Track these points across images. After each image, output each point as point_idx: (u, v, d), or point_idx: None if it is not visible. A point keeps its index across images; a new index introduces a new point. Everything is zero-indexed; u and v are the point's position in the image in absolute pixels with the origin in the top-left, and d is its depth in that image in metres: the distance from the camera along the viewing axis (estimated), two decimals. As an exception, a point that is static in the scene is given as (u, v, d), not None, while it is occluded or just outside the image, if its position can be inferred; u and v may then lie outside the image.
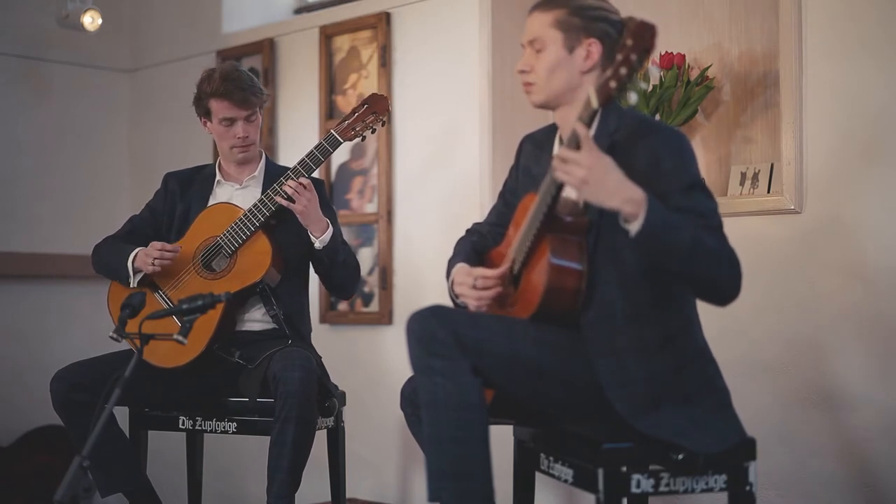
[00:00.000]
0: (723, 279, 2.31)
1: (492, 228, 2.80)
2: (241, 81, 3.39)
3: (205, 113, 3.46)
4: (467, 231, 2.87)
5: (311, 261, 3.44)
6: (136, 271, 3.37)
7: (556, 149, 2.47)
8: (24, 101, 5.19)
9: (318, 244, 3.32)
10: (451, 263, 2.74)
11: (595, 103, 2.19)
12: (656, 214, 2.21)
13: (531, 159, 2.71)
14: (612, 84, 2.15)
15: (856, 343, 3.15)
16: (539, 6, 2.50)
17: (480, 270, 2.57)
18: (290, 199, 3.28)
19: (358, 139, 3.40)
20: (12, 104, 5.15)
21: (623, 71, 2.13)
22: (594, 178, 2.21)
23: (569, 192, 2.44)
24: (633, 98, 2.17)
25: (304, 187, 3.27)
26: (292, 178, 3.30)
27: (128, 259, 3.37)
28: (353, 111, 3.40)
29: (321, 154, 3.34)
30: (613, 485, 2.30)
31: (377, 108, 3.40)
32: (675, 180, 2.34)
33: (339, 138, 3.36)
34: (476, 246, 2.79)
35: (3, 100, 5.12)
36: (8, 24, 5.13)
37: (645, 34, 2.10)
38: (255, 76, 4.79)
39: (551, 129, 2.67)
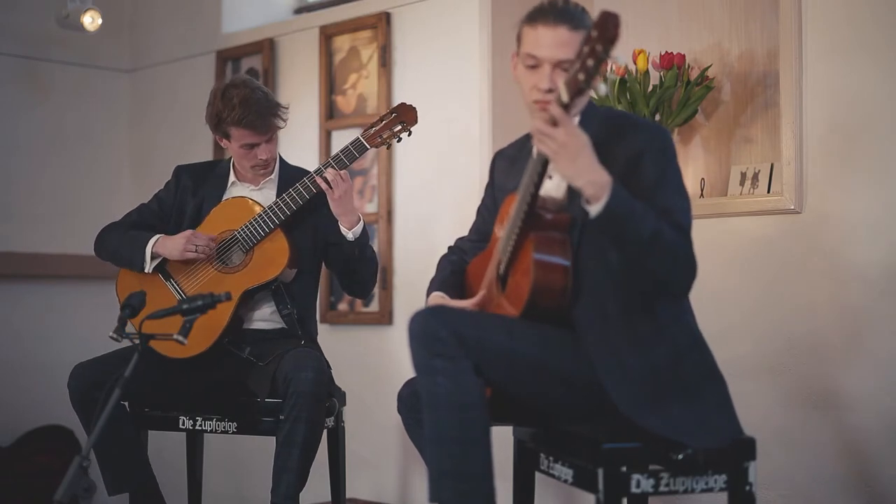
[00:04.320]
0: (673, 279, 2.35)
1: (473, 245, 2.82)
2: (262, 107, 3.31)
3: (224, 135, 3.39)
4: (449, 248, 2.90)
5: (334, 257, 3.41)
6: (154, 257, 3.36)
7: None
8: (24, 101, 5.19)
9: (350, 235, 3.31)
10: (431, 286, 2.78)
11: (565, 97, 2.18)
12: (619, 201, 2.23)
13: (503, 175, 2.72)
14: (581, 77, 2.14)
15: (856, 343, 3.15)
16: (566, 21, 2.39)
17: (455, 303, 2.61)
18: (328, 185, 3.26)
19: (384, 147, 3.41)
20: (12, 104, 5.15)
21: (590, 62, 2.12)
22: (568, 152, 2.21)
23: (549, 190, 2.44)
24: (602, 89, 2.17)
25: (342, 178, 3.26)
26: (300, 189, 3.29)
27: (146, 245, 3.36)
28: (381, 119, 3.40)
29: (346, 158, 3.33)
30: (613, 485, 2.30)
31: (406, 118, 3.41)
32: (652, 175, 2.36)
33: (366, 144, 3.36)
34: (455, 266, 2.81)
35: (3, 100, 5.12)
36: (8, 24, 5.13)
37: (608, 24, 2.10)
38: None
39: (524, 142, 2.68)
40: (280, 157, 3.54)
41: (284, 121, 3.42)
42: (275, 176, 3.50)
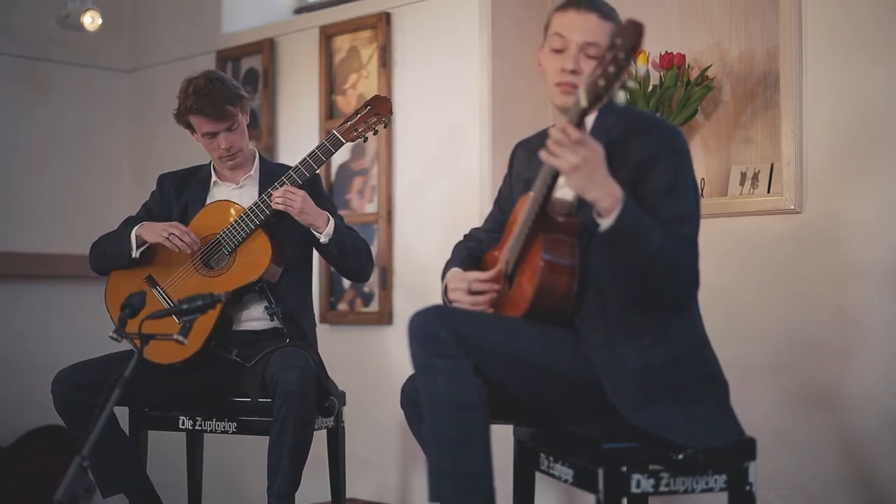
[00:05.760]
0: (672, 293, 2.37)
1: (488, 235, 2.81)
2: (215, 94, 3.35)
3: (187, 126, 3.46)
4: (465, 236, 2.89)
5: (321, 254, 3.44)
6: (139, 244, 3.38)
7: None
8: (24, 101, 5.19)
9: (323, 238, 3.32)
10: (446, 268, 2.75)
11: (584, 102, 2.18)
12: (629, 216, 2.24)
13: (524, 165, 2.71)
14: (601, 83, 2.14)
15: (856, 343, 3.15)
16: (597, 10, 2.45)
17: (474, 274, 2.59)
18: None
19: (360, 140, 3.41)
20: (12, 104, 5.15)
21: (611, 69, 2.12)
22: (586, 167, 2.21)
23: (562, 193, 2.44)
24: (621, 97, 2.17)
25: (291, 192, 3.28)
26: (278, 187, 3.30)
27: (130, 232, 3.39)
28: (356, 112, 3.41)
29: (323, 154, 3.36)
30: (613, 485, 2.30)
31: (380, 110, 3.41)
32: (665, 179, 2.37)
33: (341, 139, 3.37)
34: (472, 251, 2.80)
35: (3, 100, 5.12)
36: (8, 24, 5.13)
37: (631, 32, 2.10)
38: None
39: (544, 135, 2.67)
40: (259, 154, 3.57)
41: (246, 108, 3.45)
42: (255, 173, 3.52)
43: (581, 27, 2.43)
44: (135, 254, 3.39)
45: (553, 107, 2.52)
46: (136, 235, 3.38)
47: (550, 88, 2.48)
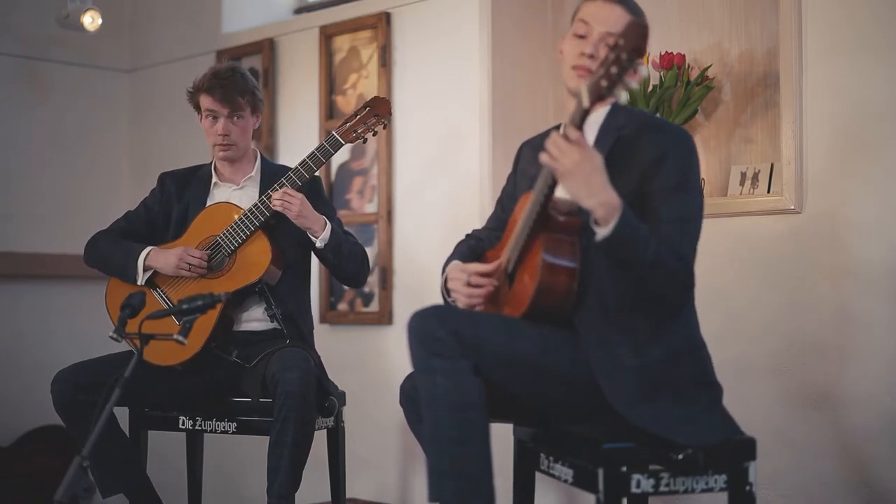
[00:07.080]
0: (669, 298, 2.39)
1: (490, 233, 2.82)
2: (230, 81, 3.41)
3: (196, 107, 3.49)
4: (466, 235, 2.89)
5: (318, 258, 3.45)
6: (146, 269, 3.38)
7: None
8: (24, 101, 5.19)
9: (319, 243, 3.32)
10: (446, 264, 2.75)
11: (586, 102, 2.20)
12: (626, 227, 2.25)
13: (529, 163, 2.73)
14: (604, 83, 2.15)
15: (856, 343, 3.15)
16: (623, 4, 2.51)
17: (474, 266, 2.60)
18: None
19: (359, 141, 3.41)
20: (12, 104, 5.15)
21: (614, 70, 2.14)
22: (580, 172, 2.23)
23: (563, 192, 2.45)
24: (623, 98, 2.18)
25: (290, 195, 3.28)
26: (278, 190, 3.31)
27: (139, 257, 3.38)
28: (355, 113, 3.41)
29: (322, 155, 3.36)
30: (613, 485, 2.30)
31: (379, 111, 3.42)
32: (673, 178, 2.38)
33: (341, 140, 3.37)
34: (474, 248, 2.80)
35: (3, 100, 5.12)
36: (8, 24, 5.13)
37: (635, 33, 2.11)
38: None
39: (547, 135, 2.68)
40: (262, 155, 3.57)
41: (257, 107, 3.47)
42: (255, 174, 3.52)
43: (605, 17, 2.49)
44: (140, 280, 3.40)
45: (566, 91, 2.54)
46: (146, 265, 3.38)
47: (567, 72, 2.52)
